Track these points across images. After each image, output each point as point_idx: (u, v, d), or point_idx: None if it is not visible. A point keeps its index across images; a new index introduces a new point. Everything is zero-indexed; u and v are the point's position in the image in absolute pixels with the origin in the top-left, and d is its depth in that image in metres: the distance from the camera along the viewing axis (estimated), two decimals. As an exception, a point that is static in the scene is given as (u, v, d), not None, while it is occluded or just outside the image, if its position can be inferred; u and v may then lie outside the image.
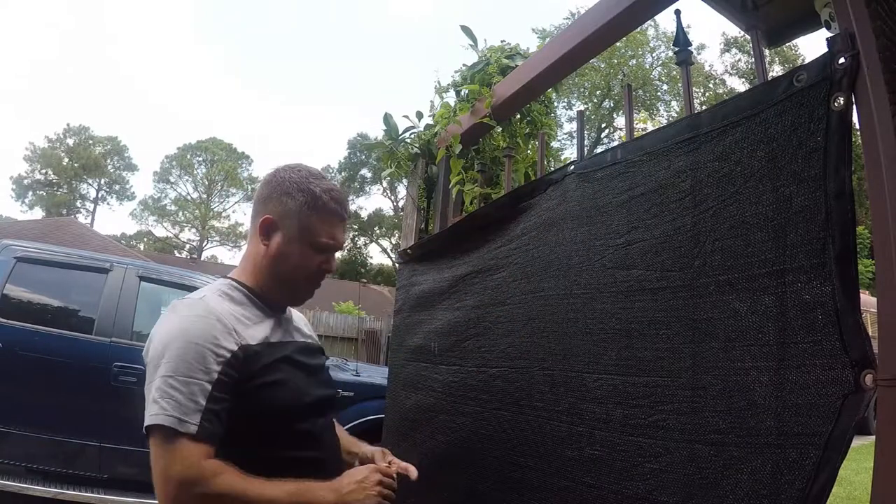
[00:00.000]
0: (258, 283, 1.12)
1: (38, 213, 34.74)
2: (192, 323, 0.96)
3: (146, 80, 60.23)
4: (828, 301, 0.73)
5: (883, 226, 0.71)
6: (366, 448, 1.25)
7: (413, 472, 1.17)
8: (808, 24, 1.30)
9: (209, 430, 0.90)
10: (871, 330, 0.68)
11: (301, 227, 1.08)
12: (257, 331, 1.06)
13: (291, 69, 64.25)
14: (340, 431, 1.29)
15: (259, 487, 0.90)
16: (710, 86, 25.95)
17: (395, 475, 1.13)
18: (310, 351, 1.21)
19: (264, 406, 0.99)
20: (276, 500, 0.90)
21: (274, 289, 1.12)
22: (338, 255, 1.18)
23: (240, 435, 0.96)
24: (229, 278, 1.14)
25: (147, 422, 0.89)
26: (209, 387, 0.91)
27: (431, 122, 2.12)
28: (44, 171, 36.77)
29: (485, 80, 1.92)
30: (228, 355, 0.96)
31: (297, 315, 1.29)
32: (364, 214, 37.62)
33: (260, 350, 1.02)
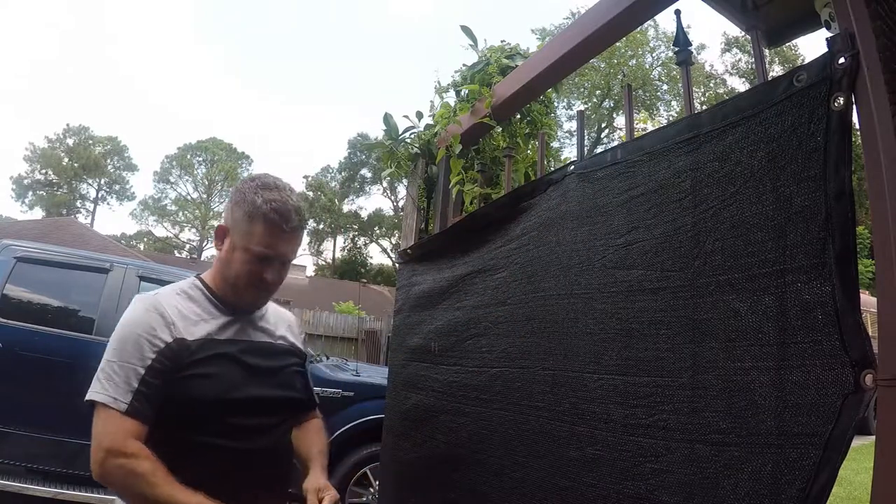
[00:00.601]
0: (216, 285, 1.23)
1: (38, 213, 34.76)
2: (138, 315, 1.11)
3: (146, 80, 60.26)
4: (828, 301, 0.73)
5: (883, 226, 0.71)
6: (312, 481, 1.20)
7: None
8: (808, 24, 1.30)
9: (138, 408, 1.04)
10: (871, 330, 0.68)
11: (241, 236, 1.16)
12: (202, 327, 1.15)
13: (291, 69, 64.27)
14: (308, 442, 1.29)
15: (169, 486, 1.00)
16: (711, 85, 25.96)
17: None
18: (268, 352, 1.25)
19: (189, 395, 1.09)
20: (179, 500, 1.00)
21: (226, 291, 1.21)
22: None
23: (168, 418, 1.08)
24: (197, 277, 1.26)
25: (87, 396, 1.05)
26: (142, 371, 1.06)
27: (431, 122, 2.11)
28: (44, 171, 36.78)
29: (485, 80, 1.92)
30: (163, 345, 1.08)
31: (279, 317, 1.34)
32: (364, 214, 37.64)
33: (195, 344, 1.12)
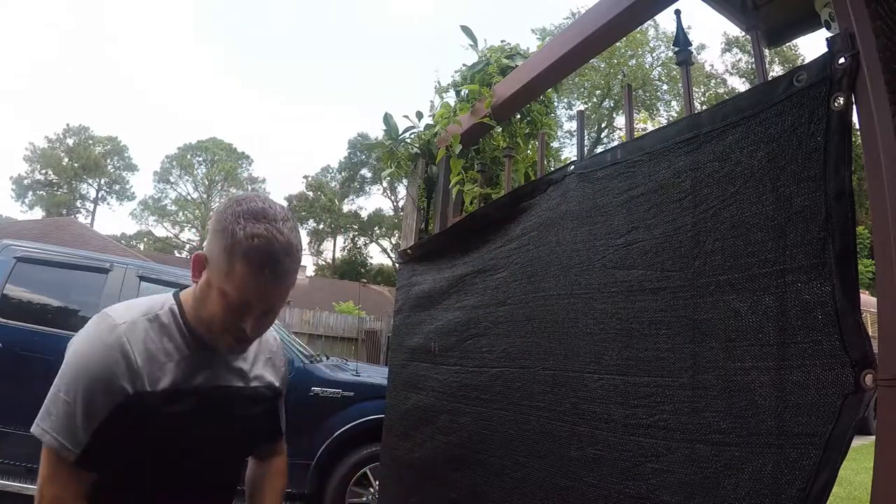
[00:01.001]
0: (194, 320, 1.02)
1: (38, 213, 34.78)
2: (100, 355, 0.94)
3: (146, 80, 60.29)
4: (828, 301, 0.73)
5: (883, 226, 0.71)
6: None
7: None
8: (808, 24, 1.30)
9: (87, 462, 0.93)
10: (871, 330, 0.68)
11: (218, 274, 0.93)
12: (169, 373, 0.99)
13: (291, 69, 64.28)
14: (266, 490, 1.24)
15: None
16: (711, 85, 25.96)
17: None
18: (235, 401, 1.10)
19: (142, 448, 0.98)
20: None
21: (203, 329, 1.01)
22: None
23: (114, 465, 0.97)
24: (176, 299, 1.05)
25: (36, 429, 0.94)
26: (96, 424, 0.93)
27: (431, 122, 2.12)
28: (44, 171, 36.80)
29: (485, 80, 1.92)
30: (121, 399, 0.93)
31: (261, 348, 1.18)
32: (364, 214, 37.65)
33: (158, 397, 0.97)
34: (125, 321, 0.98)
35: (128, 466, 0.98)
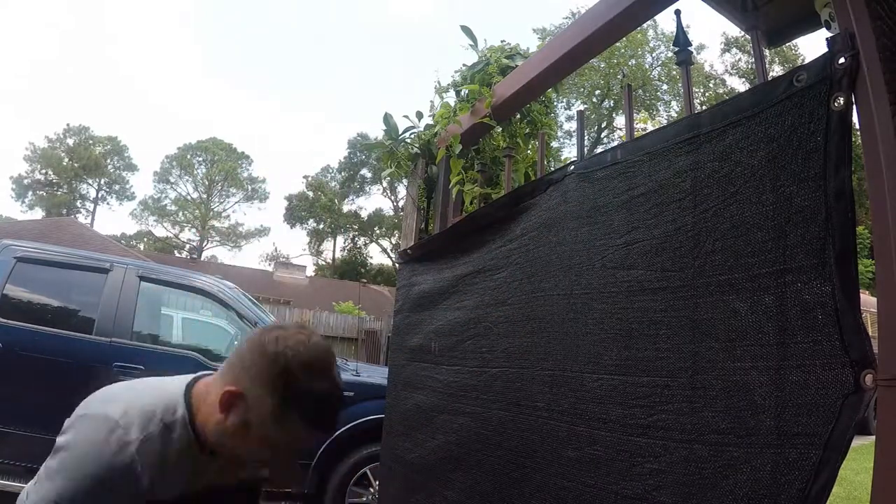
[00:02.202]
0: (206, 433, 0.96)
1: (38, 213, 34.76)
2: (106, 475, 0.87)
3: (146, 80, 60.22)
4: (828, 301, 0.73)
5: (883, 226, 0.71)
6: None
7: None
8: (808, 24, 1.30)
9: None
10: (871, 330, 0.68)
11: (265, 423, 0.89)
12: (176, 485, 0.95)
13: (291, 69, 64.26)
14: None
15: None
16: (711, 85, 25.96)
17: None
18: (229, 495, 1.07)
19: None
20: None
21: (224, 451, 0.97)
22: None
23: None
24: (187, 404, 0.97)
25: None
26: None
27: (431, 122, 2.12)
28: (44, 171, 36.79)
29: (485, 80, 1.92)
30: None
31: None
32: (364, 214, 37.64)
33: None
34: (137, 437, 0.90)
35: None
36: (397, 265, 2.02)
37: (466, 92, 1.95)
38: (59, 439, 0.92)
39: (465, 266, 1.55)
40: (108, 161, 39.02)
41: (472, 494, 1.34)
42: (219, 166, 38.74)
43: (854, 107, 0.76)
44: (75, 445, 0.89)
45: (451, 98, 2.09)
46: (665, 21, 25.88)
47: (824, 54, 0.80)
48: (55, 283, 3.54)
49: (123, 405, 0.93)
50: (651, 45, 25.32)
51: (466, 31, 2.08)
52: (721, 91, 25.29)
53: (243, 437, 0.91)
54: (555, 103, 2.35)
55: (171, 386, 1.00)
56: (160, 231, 39.36)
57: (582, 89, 26.07)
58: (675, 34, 1.19)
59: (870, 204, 0.73)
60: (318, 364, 0.90)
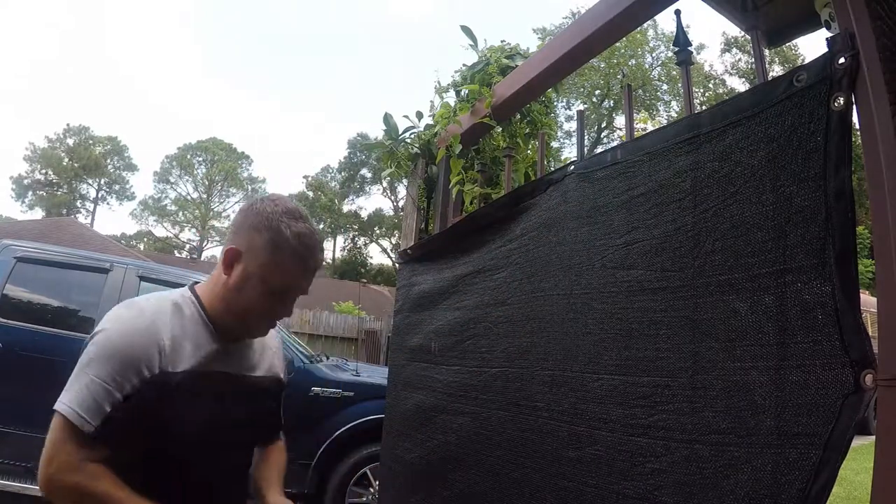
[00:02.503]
0: (213, 308, 1.09)
1: (38, 213, 34.76)
2: (130, 335, 1.00)
3: (146, 80, 60.27)
4: (828, 301, 0.73)
5: (883, 226, 0.71)
6: (271, 498, 1.18)
7: None
8: (808, 24, 1.30)
9: (104, 434, 0.95)
10: (871, 330, 0.68)
11: (261, 266, 1.04)
12: (189, 356, 1.04)
13: (292, 69, 64.30)
14: (270, 463, 1.27)
15: (126, 500, 0.95)
16: (710, 86, 25.95)
17: None
18: (249, 390, 1.16)
19: (159, 430, 1.00)
20: None
21: (227, 318, 1.09)
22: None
23: (134, 450, 1.00)
24: (192, 291, 1.12)
25: (57, 405, 0.97)
26: (118, 396, 0.96)
27: (431, 122, 2.12)
28: (44, 171, 36.79)
29: (485, 80, 1.92)
30: (147, 375, 0.99)
31: (265, 343, 1.24)
32: (364, 214, 37.64)
33: (179, 378, 1.02)
34: (152, 308, 1.05)
35: (150, 449, 1.01)
36: (397, 265, 2.02)
37: (466, 92, 1.95)
38: (94, 332, 1.03)
39: (465, 266, 1.55)
40: (108, 161, 39.02)
41: (472, 494, 1.34)
42: (219, 166, 38.74)
43: (854, 107, 0.76)
44: (100, 333, 1.01)
45: (451, 98, 2.09)
46: (665, 21, 25.91)
47: (824, 54, 0.80)
48: (55, 283, 3.54)
49: (139, 299, 1.09)
50: (651, 45, 25.32)
51: (466, 31, 2.08)
52: (721, 91, 25.28)
53: (246, 289, 1.06)
54: (555, 103, 2.35)
55: (175, 289, 1.15)
56: (160, 231, 39.39)
57: (582, 89, 26.06)
58: (675, 34, 1.19)
59: (870, 204, 0.73)
60: (295, 212, 1.08)
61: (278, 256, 1.04)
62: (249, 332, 1.14)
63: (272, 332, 1.24)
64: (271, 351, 1.26)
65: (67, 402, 0.96)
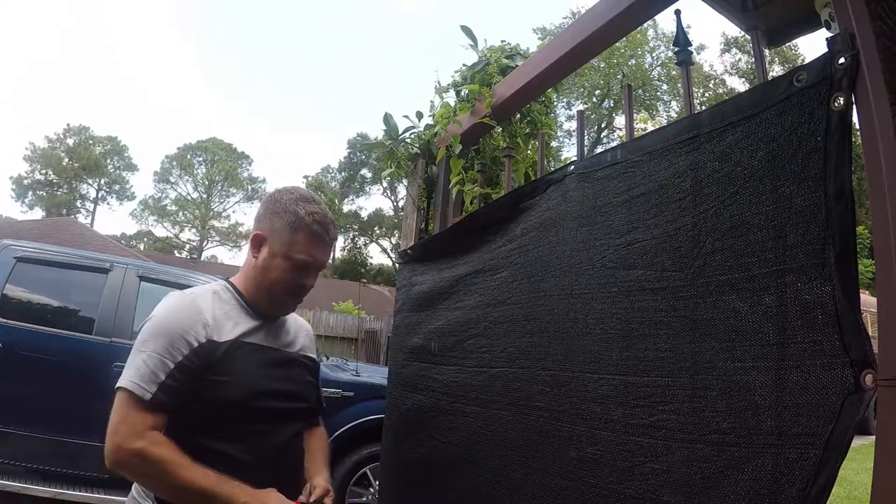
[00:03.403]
0: (247, 290, 1.25)
1: (38, 213, 34.75)
2: (176, 313, 1.14)
3: (146, 80, 60.25)
4: (828, 301, 0.73)
5: (883, 226, 0.71)
6: (315, 480, 1.25)
7: None
8: (808, 24, 1.30)
9: (162, 400, 1.06)
10: (871, 330, 0.68)
11: (283, 244, 1.20)
12: (232, 329, 1.18)
13: (292, 68, 64.28)
14: (314, 449, 1.34)
15: (187, 467, 1.03)
16: (710, 86, 25.95)
17: None
18: (288, 362, 1.28)
19: (212, 397, 1.11)
20: (196, 483, 1.02)
21: (259, 297, 1.24)
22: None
23: (188, 419, 1.10)
24: (227, 281, 1.28)
25: (119, 383, 1.07)
26: (172, 366, 1.08)
27: (431, 122, 2.12)
28: (44, 171, 36.76)
29: (485, 80, 1.92)
30: (196, 344, 1.11)
31: (298, 326, 1.38)
32: (364, 214, 37.64)
33: (225, 347, 1.14)
34: (193, 294, 1.20)
35: (206, 416, 1.11)
36: (397, 265, 2.02)
37: (466, 92, 1.95)
38: (143, 324, 1.15)
39: (465, 266, 1.55)
40: (108, 161, 39.00)
41: (472, 494, 1.34)
42: (219, 166, 38.73)
43: (854, 107, 0.76)
44: (149, 320, 1.14)
45: (451, 98, 2.09)
46: (665, 21, 25.90)
47: (824, 54, 0.80)
48: (55, 283, 3.54)
49: (179, 292, 1.21)
50: (651, 45, 25.32)
51: (466, 31, 2.08)
52: (721, 91, 25.28)
53: (272, 267, 1.21)
54: (555, 103, 2.35)
55: (212, 283, 1.30)
56: (160, 231, 39.37)
57: (582, 89, 26.06)
58: (675, 34, 1.19)
59: (870, 204, 0.73)
60: (308, 197, 1.25)
61: (297, 235, 1.20)
62: (278, 307, 1.26)
63: (302, 319, 1.41)
64: (304, 332, 1.39)
65: (128, 377, 1.06)
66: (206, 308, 1.16)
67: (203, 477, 1.02)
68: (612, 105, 26.14)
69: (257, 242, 1.23)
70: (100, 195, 38.97)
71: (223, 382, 1.11)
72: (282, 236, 1.20)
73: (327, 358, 4.43)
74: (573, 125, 24.70)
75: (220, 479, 1.04)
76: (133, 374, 1.06)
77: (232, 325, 1.18)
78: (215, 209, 39.47)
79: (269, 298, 1.24)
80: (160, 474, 1.02)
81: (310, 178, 38.63)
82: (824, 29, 1.17)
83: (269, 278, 1.21)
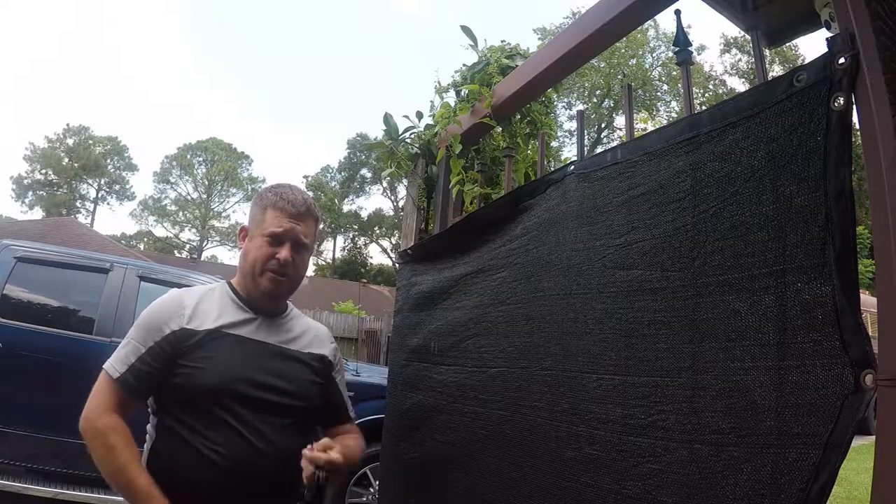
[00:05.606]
0: (239, 284, 1.31)
1: (38, 213, 34.74)
2: (159, 305, 1.23)
3: (146, 80, 60.27)
4: (828, 301, 0.73)
5: (883, 226, 0.71)
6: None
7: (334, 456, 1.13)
8: (808, 24, 1.30)
9: (128, 379, 1.15)
10: (871, 330, 0.68)
11: (257, 226, 1.28)
12: (216, 319, 1.23)
13: (292, 68, 64.29)
14: (344, 437, 1.33)
15: (131, 466, 1.10)
16: (710, 86, 25.94)
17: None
18: (280, 357, 1.28)
19: (185, 381, 1.16)
20: (133, 482, 1.09)
21: (249, 286, 1.29)
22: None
23: (167, 405, 1.18)
24: (227, 282, 1.35)
25: (105, 365, 1.18)
26: (143, 350, 1.17)
27: (431, 122, 2.11)
28: (44, 171, 36.76)
29: (485, 80, 1.92)
30: (168, 332, 1.18)
31: (309, 328, 1.39)
32: (364, 214, 37.65)
33: (200, 335, 1.19)
34: (186, 290, 1.28)
35: (183, 402, 1.16)
36: (397, 265, 2.02)
37: (466, 92, 1.95)
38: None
39: (465, 266, 1.55)
40: (108, 161, 39.00)
41: (471, 494, 1.34)
42: (219, 166, 38.73)
43: (854, 107, 0.76)
44: (142, 313, 1.23)
45: (451, 98, 2.09)
46: (665, 21, 25.90)
47: (824, 54, 0.80)
48: (55, 283, 3.54)
49: (178, 290, 1.29)
50: (651, 45, 25.32)
51: (466, 31, 2.08)
52: (721, 91, 25.28)
53: (250, 248, 1.26)
54: (555, 103, 2.34)
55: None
56: (160, 231, 39.37)
57: (582, 89, 26.06)
58: (675, 34, 1.19)
59: (870, 204, 0.73)
60: (284, 184, 1.33)
61: (266, 213, 1.27)
62: (261, 288, 1.27)
63: (320, 325, 1.45)
64: (314, 333, 1.40)
65: (110, 360, 1.17)
66: (188, 301, 1.23)
67: (138, 475, 1.09)
68: (612, 105, 26.14)
69: (242, 234, 1.32)
70: (100, 195, 38.99)
71: (198, 369, 1.16)
72: (255, 219, 1.29)
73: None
74: (573, 125, 24.69)
75: (151, 488, 1.08)
76: (114, 357, 1.17)
77: (215, 316, 1.23)
78: (215, 209, 39.48)
79: (252, 281, 1.27)
80: (108, 459, 1.10)
81: (309, 178, 38.62)
82: (824, 29, 1.17)
83: (249, 260, 1.26)
